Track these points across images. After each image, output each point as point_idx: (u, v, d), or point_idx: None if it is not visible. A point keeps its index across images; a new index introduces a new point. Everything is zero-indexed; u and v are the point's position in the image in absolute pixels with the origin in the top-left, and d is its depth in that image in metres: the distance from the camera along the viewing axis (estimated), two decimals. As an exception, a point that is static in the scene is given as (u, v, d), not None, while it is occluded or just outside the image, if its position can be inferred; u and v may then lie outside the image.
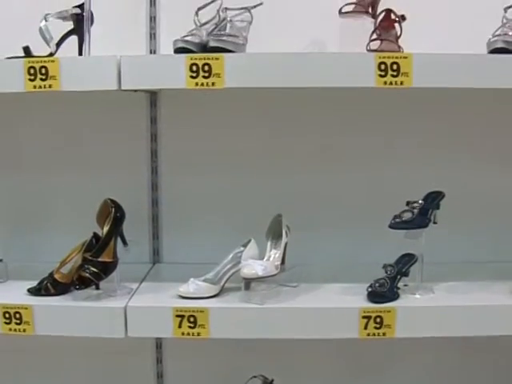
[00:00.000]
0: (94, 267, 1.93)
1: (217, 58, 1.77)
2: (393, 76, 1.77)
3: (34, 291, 1.98)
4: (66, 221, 2.30)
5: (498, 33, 1.89)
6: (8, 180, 2.33)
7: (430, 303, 1.90)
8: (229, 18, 1.93)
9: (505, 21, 1.93)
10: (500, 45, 1.84)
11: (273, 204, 2.18)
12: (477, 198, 2.25)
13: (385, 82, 1.78)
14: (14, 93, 1.84)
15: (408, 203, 1.97)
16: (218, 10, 1.97)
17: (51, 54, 1.94)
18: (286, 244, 2.03)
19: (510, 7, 1.96)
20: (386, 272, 1.95)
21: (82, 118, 2.27)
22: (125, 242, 2.03)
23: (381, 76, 1.77)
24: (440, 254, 2.07)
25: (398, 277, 1.95)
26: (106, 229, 2.01)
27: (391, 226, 1.93)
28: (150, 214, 2.33)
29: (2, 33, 2.17)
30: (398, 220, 1.94)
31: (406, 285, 1.97)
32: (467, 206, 2.24)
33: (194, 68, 1.77)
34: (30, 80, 1.82)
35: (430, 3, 2.16)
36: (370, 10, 2.03)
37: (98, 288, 1.95)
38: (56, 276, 2.00)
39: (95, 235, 2.03)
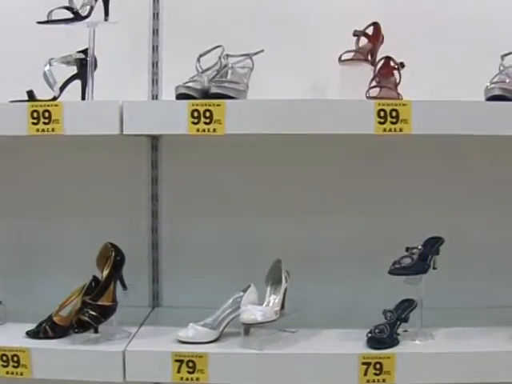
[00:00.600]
0: (93, 310, 1.92)
1: (218, 105, 1.80)
2: (392, 123, 1.79)
3: (33, 334, 1.97)
4: (66, 263, 2.29)
5: (495, 80, 1.92)
6: (8, 222, 2.33)
7: (430, 349, 1.89)
8: (230, 65, 1.97)
9: (502, 68, 1.97)
10: (497, 92, 1.87)
11: (272, 249, 2.17)
12: (476, 243, 2.25)
13: (384, 129, 1.80)
14: (17, 136, 1.87)
15: (407, 249, 1.97)
16: (219, 57, 2.00)
17: (54, 98, 1.96)
18: (285, 289, 2.03)
19: (507, 55, 2.00)
20: (386, 318, 1.94)
21: (82, 161, 2.29)
22: (124, 286, 2.03)
23: (380, 123, 1.79)
24: (440, 300, 2.07)
25: (398, 322, 1.95)
26: (105, 272, 2.01)
27: (391, 272, 1.94)
28: (149, 258, 2.33)
29: (7, 76, 2.19)
30: (397, 266, 1.95)
31: (405, 330, 1.96)
32: (466, 251, 2.24)
33: (196, 114, 1.80)
34: (33, 123, 1.84)
35: (428, 51, 2.19)
36: (369, 57, 2.06)
37: (96, 331, 1.94)
38: (55, 319, 1.99)
39: (95, 278, 2.03)
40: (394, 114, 1.79)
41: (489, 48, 2.08)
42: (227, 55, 2.00)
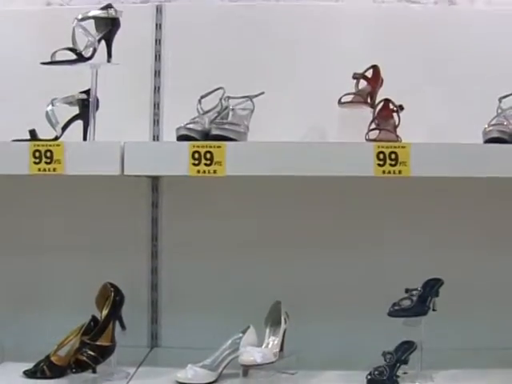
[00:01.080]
0: (91, 351, 1.91)
1: (219, 146, 1.81)
2: (391, 165, 1.80)
3: (30, 374, 1.96)
4: (65, 303, 2.28)
5: (493, 122, 1.94)
6: (8, 259, 2.32)
7: (430, 392, 1.90)
8: (231, 107, 2.00)
9: (500, 111, 1.99)
10: (495, 134, 1.89)
11: (272, 290, 2.17)
12: (475, 284, 2.25)
13: (383, 172, 1.81)
14: (18, 175, 1.89)
15: (407, 290, 1.97)
16: (220, 99, 2.03)
17: (56, 138, 1.98)
18: (284, 331, 2.02)
19: (504, 97, 2.02)
20: (386, 360, 1.93)
21: (83, 200, 2.29)
22: (123, 326, 2.03)
23: (379, 165, 1.80)
24: (440, 341, 2.05)
25: (398, 364, 1.93)
26: (104, 312, 2.01)
27: (390, 314, 1.93)
28: (149, 298, 2.32)
29: (10, 115, 2.22)
30: (396, 308, 1.94)
31: (405, 373, 1.95)
32: (466, 292, 2.23)
33: (197, 155, 1.81)
34: (35, 163, 1.85)
35: (427, 93, 2.22)
36: (368, 99, 2.09)
37: (94, 372, 1.92)
38: (53, 358, 1.98)
39: (94, 318, 2.02)
40: (393, 156, 1.81)
41: (486, 90, 2.11)
42: (228, 97, 2.02)
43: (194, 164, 1.81)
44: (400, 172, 1.81)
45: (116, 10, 2.02)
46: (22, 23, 2.33)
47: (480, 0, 2.35)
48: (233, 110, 1.99)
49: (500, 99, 2.01)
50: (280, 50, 2.28)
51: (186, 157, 1.81)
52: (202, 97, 2.04)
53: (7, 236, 2.32)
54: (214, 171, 1.81)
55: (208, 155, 1.81)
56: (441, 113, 2.20)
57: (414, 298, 1.95)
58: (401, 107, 2.06)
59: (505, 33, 2.25)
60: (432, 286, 2.01)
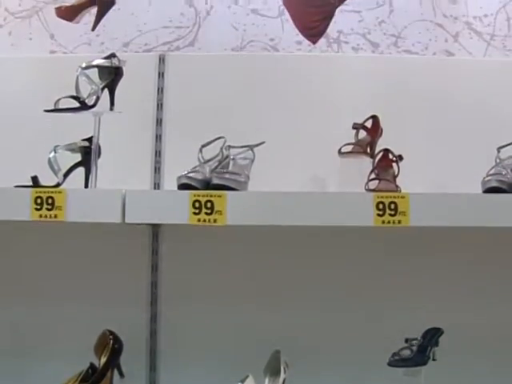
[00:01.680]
0: (89, 399, 1.92)
1: (219, 196, 1.82)
2: (390, 215, 1.81)
3: (28, 422, 1.97)
4: (63, 350, 2.25)
5: (492, 172, 1.95)
6: (6, 305, 2.30)
7: None
8: (232, 156, 2.00)
9: (498, 160, 2.00)
10: (494, 184, 1.90)
11: (271, 339, 2.14)
12: (476, 334, 2.22)
13: (383, 221, 1.81)
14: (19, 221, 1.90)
15: (407, 340, 1.96)
16: (221, 148, 2.04)
17: (58, 185, 1.98)
18: (284, 380, 2.00)
19: (502, 147, 2.03)
20: (388, 410, 1.94)
21: (83, 247, 2.28)
22: (121, 374, 2.02)
23: (379, 215, 1.81)
24: (440, 391, 2.07)
25: (399, 415, 1.94)
26: (103, 360, 2.01)
27: (390, 364, 1.92)
28: (147, 346, 2.28)
29: (12, 161, 2.23)
30: (396, 357, 1.93)
31: (405, 424, 1.96)
32: (466, 341, 2.20)
33: (197, 205, 1.82)
34: (36, 209, 1.86)
35: (425, 143, 2.23)
36: (368, 149, 2.10)
37: (92, 419, 1.93)
38: (51, 406, 1.99)
39: (92, 366, 2.01)
40: (392, 206, 1.82)
41: (485, 140, 2.13)
42: (229, 146, 2.03)
43: (195, 213, 1.82)
44: (399, 222, 1.82)
45: (119, 60, 2.04)
46: (27, 70, 2.36)
47: (478, 51, 2.40)
48: (233, 159, 2.00)
49: (498, 149, 2.02)
50: (280, 99, 2.30)
51: (187, 206, 1.82)
52: (203, 146, 2.05)
53: (5, 281, 2.31)
54: (215, 220, 1.82)
55: (209, 204, 1.82)
56: (440, 162, 2.21)
57: (414, 348, 1.95)
58: (400, 157, 2.07)
59: (503, 83, 2.27)
60: (432, 336, 2.00)
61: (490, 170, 1.96)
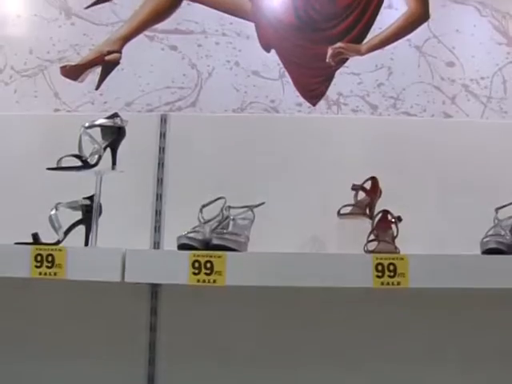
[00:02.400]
0: None
1: (219, 256, 1.84)
2: (390, 277, 1.82)
3: None
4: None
5: (490, 233, 1.97)
6: (5, 361, 2.28)
7: None
8: (232, 217, 2.02)
9: (496, 221, 2.01)
10: (493, 245, 1.91)
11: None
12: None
13: (382, 283, 1.82)
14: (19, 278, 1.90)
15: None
16: (221, 208, 2.06)
17: (58, 242, 1.99)
18: None
19: (500, 208, 2.04)
20: None
21: (81, 304, 2.26)
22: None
23: (378, 277, 1.82)
24: None
25: None
26: (100, 419, 2.00)
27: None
28: (145, 405, 2.34)
29: (14, 217, 2.24)
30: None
31: None
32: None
33: (197, 265, 1.83)
34: (37, 267, 1.87)
35: (424, 204, 2.24)
36: (367, 211, 2.12)
37: None
38: None
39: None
40: (391, 267, 1.83)
41: (483, 201, 2.15)
42: (229, 207, 2.06)
43: (194, 273, 1.83)
44: (399, 283, 1.83)
45: (122, 119, 2.07)
46: (31, 128, 2.39)
47: (475, 113, 2.44)
48: (233, 219, 2.01)
49: (496, 210, 2.04)
50: (280, 160, 2.32)
51: (187, 266, 1.83)
52: (204, 206, 2.07)
53: (3, 337, 2.29)
54: (214, 281, 1.83)
55: (208, 265, 1.83)
56: (439, 223, 2.22)
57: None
58: (399, 218, 2.09)
59: (500, 145, 2.30)
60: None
61: (489, 230, 1.97)
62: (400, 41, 2.48)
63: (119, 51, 2.53)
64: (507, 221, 2.02)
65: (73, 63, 2.55)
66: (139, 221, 2.29)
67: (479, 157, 2.29)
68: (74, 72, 2.55)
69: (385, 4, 2.50)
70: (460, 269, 1.83)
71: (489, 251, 1.90)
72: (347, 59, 2.49)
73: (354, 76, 2.48)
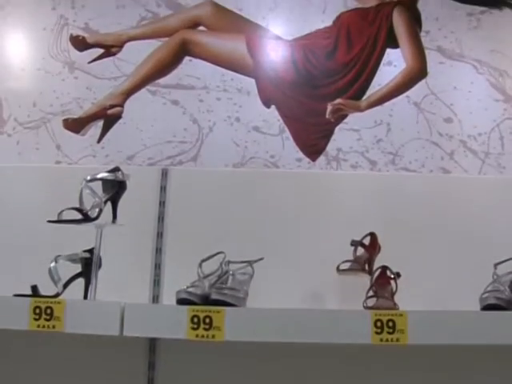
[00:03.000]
0: None
1: (218, 311, 1.83)
2: (389, 333, 1.81)
3: None
4: None
5: (489, 289, 1.96)
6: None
7: None
8: (231, 272, 2.01)
9: (495, 277, 2.01)
10: (492, 301, 1.91)
11: None
12: None
13: (381, 339, 1.81)
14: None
15: None
16: (221, 263, 2.06)
17: (57, 294, 1.99)
18: None
19: (499, 263, 2.04)
20: None
21: (79, 357, 2.24)
22: None
23: (377, 333, 1.81)
24: None
25: None
26: None
27: None
28: None
29: (13, 269, 2.24)
30: None
31: None
32: None
33: (196, 320, 1.82)
34: (35, 319, 1.86)
35: (423, 260, 2.24)
36: (366, 266, 2.12)
37: None
38: None
39: None
40: (390, 324, 1.82)
41: (482, 256, 2.15)
42: (228, 262, 2.05)
43: (193, 328, 1.82)
44: (398, 340, 1.82)
45: (123, 173, 2.08)
46: (32, 179, 2.42)
47: (473, 169, 2.45)
48: (233, 274, 2.01)
49: (495, 265, 2.03)
50: (280, 215, 2.34)
51: (185, 320, 1.83)
52: (203, 260, 2.06)
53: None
54: (213, 336, 1.82)
55: (207, 320, 1.82)
56: (438, 279, 2.22)
57: None
58: (398, 274, 2.09)
59: (498, 200, 2.32)
60: None
61: (488, 286, 1.97)
62: (399, 97, 2.52)
63: (121, 105, 2.56)
64: (506, 276, 2.02)
65: (75, 116, 2.58)
66: (139, 274, 2.30)
67: (478, 212, 2.31)
68: (76, 125, 2.58)
69: (384, 61, 2.55)
70: (459, 325, 1.82)
71: (488, 307, 1.89)
72: (347, 115, 2.52)
73: (353, 132, 2.52)
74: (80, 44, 2.64)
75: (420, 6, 2.58)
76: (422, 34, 2.55)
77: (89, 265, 2.06)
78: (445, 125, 2.50)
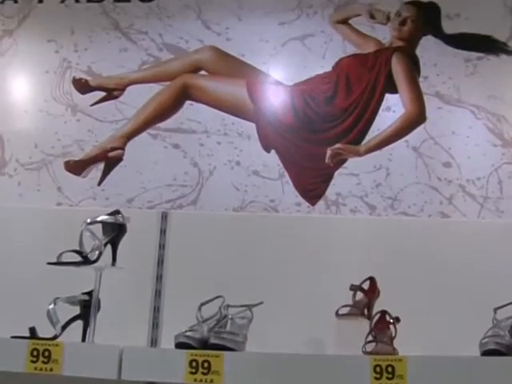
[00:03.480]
0: None
1: (217, 356, 1.83)
2: (388, 378, 1.79)
3: None
4: None
5: (489, 334, 1.94)
6: None
7: None
8: (230, 316, 2.00)
9: (495, 322, 2.00)
10: (492, 346, 1.89)
11: None
12: None
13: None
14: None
15: None
16: (220, 307, 2.05)
17: (55, 337, 1.99)
18: None
19: (499, 308, 2.02)
20: None
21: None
22: None
23: (376, 379, 1.79)
24: None
25: None
26: None
27: None
28: None
29: (11, 310, 2.24)
30: None
31: None
32: None
33: (194, 364, 1.82)
34: (32, 361, 1.86)
35: (422, 305, 2.23)
36: (365, 311, 2.12)
37: None
38: None
39: None
40: (389, 369, 1.80)
41: (481, 301, 2.13)
42: (227, 306, 2.04)
43: (192, 372, 1.82)
44: (396, 381, 1.84)
45: (124, 216, 2.10)
46: (33, 221, 2.43)
47: (472, 213, 2.46)
48: (232, 318, 2.00)
49: (495, 310, 2.02)
50: (279, 259, 2.34)
51: (184, 365, 1.82)
52: (202, 304, 2.05)
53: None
54: (211, 380, 1.81)
55: (206, 364, 1.81)
56: (437, 324, 2.21)
57: None
58: (397, 319, 2.07)
59: (497, 245, 2.31)
60: None
61: (488, 331, 1.95)
62: (398, 142, 2.54)
63: (122, 148, 2.59)
64: (506, 321, 2.01)
65: (76, 158, 2.60)
66: (137, 317, 2.29)
67: (477, 257, 2.30)
68: (77, 167, 2.60)
69: (383, 106, 2.57)
70: (459, 371, 1.80)
71: (488, 352, 1.88)
72: (346, 160, 2.54)
73: (352, 177, 2.53)
74: (82, 87, 2.68)
75: (418, 51, 2.62)
76: (421, 79, 2.59)
77: (87, 307, 2.06)
78: (443, 169, 2.51)
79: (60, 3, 2.78)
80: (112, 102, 2.64)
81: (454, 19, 2.64)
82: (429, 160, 2.52)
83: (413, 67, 2.60)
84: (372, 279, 2.19)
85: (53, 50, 2.72)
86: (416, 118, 2.56)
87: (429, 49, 2.61)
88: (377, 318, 2.08)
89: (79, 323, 2.07)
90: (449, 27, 2.63)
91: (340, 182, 2.51)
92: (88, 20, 2.74)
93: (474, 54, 2.61)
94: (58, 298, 2.05)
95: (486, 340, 1.92)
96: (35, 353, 1.86)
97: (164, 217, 2.39)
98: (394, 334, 2.05)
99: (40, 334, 1.98)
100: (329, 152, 2.53)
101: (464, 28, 2.63)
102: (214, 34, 2.69)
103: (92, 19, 2.74)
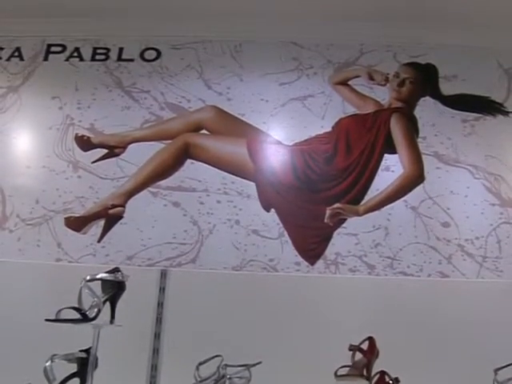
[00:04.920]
0: None
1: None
2: None
3: None
4: None
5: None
6: None
7: None
8: (228, 375, 2.01)
9: (496, 383, 1.99)
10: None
11: None
12: None
13: None
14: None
15: None
16: (218, 367, 2.05)
17: (52, 395, 1.97)
18: None
19: (499, 369, 2.03)
20: None
21: None
22: None
23: None
24: None
25: None
26: None
27: None
28: None
29: (8, 366, 2.22)
30: None
31: None
32: None
33: (192, 423, 1.82)
34: (27, 423, 1.84)
35: (422, 364, 2.23)
36: (364, 372, 2.09)
37: None
38: None
39: None
40: None
41: (482, 362, 2.13)
42: (226, 365, 2.04)
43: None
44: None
45: (123, 274, 2.08)
46: (32, 276, 2.43)
47: (471, 272, 2.45)
48: (230, 378, 2.00)
49: (495, 371, 2.03)
50: (278, 318, 2.33)
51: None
52: (200, 363, 2.06)
53: None
54: None
55: (203, 426, 1.82)
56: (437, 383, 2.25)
57: None
58: (396, 380, 2.07)
59: (497, 304, 2.33)
60: None
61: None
62: (397, 202, 2.56)
63: (123, 205, 2.60)
64: (507, 382, 2.00)
65: (77, 215, 2.61)
66: (135, 375, 2.28)
67: (477, 316, 2.31)
68: (77, 223, 2.61)
69: (382, 166, 2.60)
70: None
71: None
72: (345, 219, 2.55)
73: (351, 236, 2.54)
74: (85, 144, 2.71)
75: (417, 112, 2.66)
76: (419, 139, 2.62)
77: (85, 365, 2.04)
78: (442, 229, 2.53)
79: (65, 61, 2.84)
80: (113, 159, 2.66)
81: (452, 80, 2.70)
82: (427, 220, 2.53)
83: (411, 128, 2.64)
84: (371, 339, 2.17)
85: (57, 107, 2.76)
86: (415, 177, 2.58)
87: (427, 109, 2.67)
88: (376, 378, 2.07)
89: (76, 381, 2.04)
90: (446, 88, 2.69)
91: (339, 242, 2.52)
92: (92, 78, 2.79)
93: (472, 115, 2.66)
94: (55, 355, 2.02)
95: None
96: (31, 415, 1.85)
97: (163, 274, 2.40)
98: (393, 388, 2.06)
99: (37, 393, 1.96)
100: (328, 211, 2.54)
101: (461, 89, 2.69)
102: (216, 93, 2.74)
103: (96, 77, 2.79)
